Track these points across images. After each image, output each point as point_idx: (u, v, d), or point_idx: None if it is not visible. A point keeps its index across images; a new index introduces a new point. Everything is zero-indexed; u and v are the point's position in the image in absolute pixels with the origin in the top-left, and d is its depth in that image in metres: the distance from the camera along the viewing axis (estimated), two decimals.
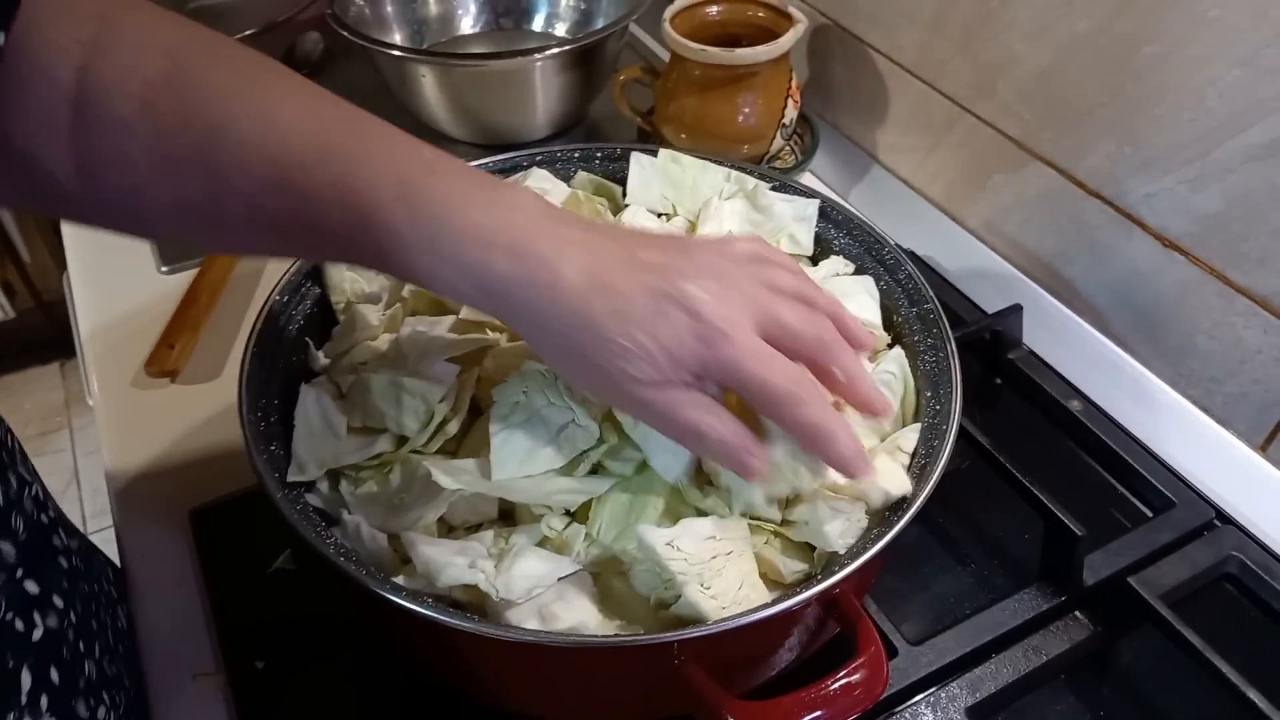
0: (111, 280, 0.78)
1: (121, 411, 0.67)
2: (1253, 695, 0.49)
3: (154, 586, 0.57)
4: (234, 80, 0.38)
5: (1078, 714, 0.53)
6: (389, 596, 0.38)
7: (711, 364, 0.37)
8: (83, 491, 1.76)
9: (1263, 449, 0.63)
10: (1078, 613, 0.55)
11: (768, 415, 0.40)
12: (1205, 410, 0.65)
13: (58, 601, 0.45)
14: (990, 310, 0.72)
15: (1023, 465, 0.58)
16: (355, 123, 0.40)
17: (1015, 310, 0.69)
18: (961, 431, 0.61)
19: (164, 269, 0.78)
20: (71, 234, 0.83)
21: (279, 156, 0.37)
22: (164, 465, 0.63)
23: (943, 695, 0.52)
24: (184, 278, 0.76)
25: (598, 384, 0.39)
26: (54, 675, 0.43)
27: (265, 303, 0.50)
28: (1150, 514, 0.61)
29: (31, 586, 0.43)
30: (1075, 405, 0.66)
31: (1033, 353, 0.70)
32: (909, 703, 0.51)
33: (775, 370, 0.38)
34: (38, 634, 0.43)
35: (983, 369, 0.71)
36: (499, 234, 0.37)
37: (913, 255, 0.58)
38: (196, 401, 0.67)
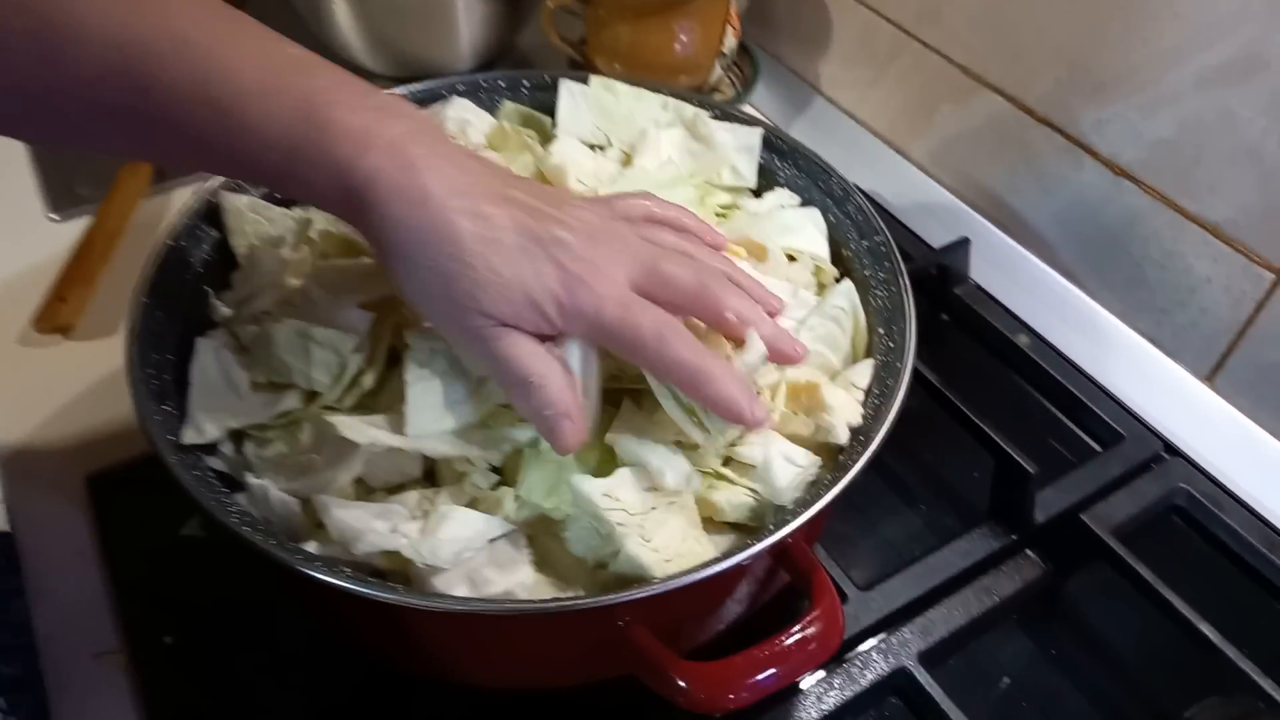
0: None
1: (9, 372, 0.61)
2: (1204, 629, 0.49)
3: (48, 559, 0.52)
4: None
5: (1030, 654, 0.52)
6: (300, 568, 0.34)
7: (571, 311, 0.36)
8: None
9: (1209, 380, 0.62)
10: (1029, 551, 0.54)
11: (637, 362, 0.37)
12: (1154, 342, 0.64)
13: None
14: (936, 245, 0.69)
15: (971, 402, 0.56)
16: (215, 15, 0.36)
17: (962, 244, 0.67)
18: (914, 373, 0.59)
19: (53, 216, 0.72)
20: None
21: (125, 42, 0.34)
22: (57, 429, 0.58)
23: (894, 640, 0.50)
24: (76, 225, 0.70)
25: (442, 311, 0.36)
26: None
27: (155, 247, 0.45)
28: (1099, 448, 0.60)
29: None
30: (1023, 340, 0.65)
31: (979, 287, 0.68)
32: (859, 649, 0.50)
33: (641, 315, 0.36)
34: None
35: (929, 305, 0.69)
36: (374, 138, 0.35)
37: (857, 190, 0.56)
38: (92, 359, 0.61)
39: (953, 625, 0.51)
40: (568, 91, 0.56)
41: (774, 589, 0.45)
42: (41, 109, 0.36)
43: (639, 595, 0.34)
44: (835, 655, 0.49)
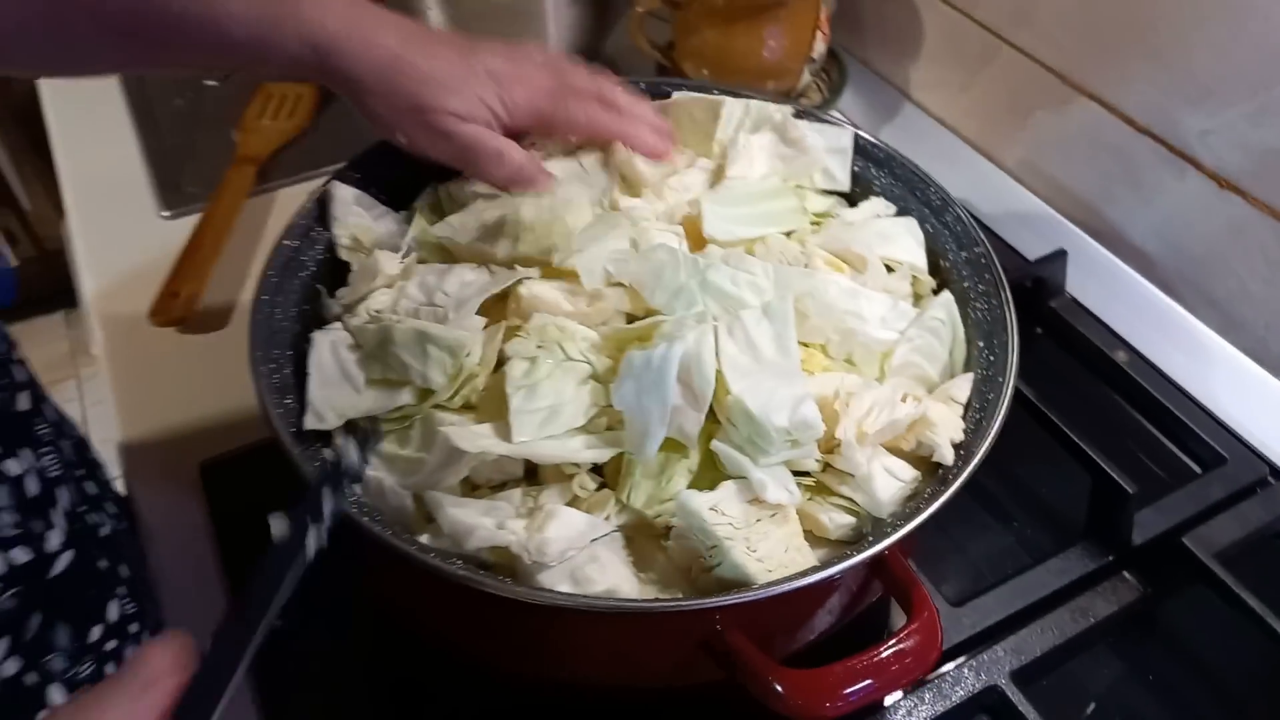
0: (112, 227, 0.75)
1: (128, 362, 0.65)
2: None
3: (165, 540, 0.55)
4: None
5: (1125, 677, 0.51)
6: (418, 557, 0.35)
7: (511, 105, 0.49)
8: (91, 442, 1.74)
9: None
10: (1126, 573, 0.53)
11: (574, 134, 0.52)
12: (1258, 360, 0.63)
13: (109, 507, 0.52)
14: (1029, 256, 0.68)
15: (1068, 419, 0.56)
16: None
17: (1059, 256, 0.66)
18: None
19: (165, 214, 0.75)
20: (69, 179, 0.79)
21: None
22: (173, 418, 0.61)
23: (985, 658, 0.49)
24: (186, 223, 0.73)
25: (415, 122, 0.48)
26: (123, 570, 0.50)
27: (274, 248, 0.47)
28: (1200, 470, 0.59)
29: (90, 488, 0.51)
30: (1121, 356, 0.63)
31: (1075, 300, 0.67)
32: (950, 666, 0.49)
33: (569, 98, 0.51)
34: (104, 531, 0.50)
35: (1023, 318, 0.67)
36: (330, 8, 0.46)
37: (955, 199, 0.55)
38: (205, 351, 0.64)
39: (1046, 645, 0.50)
40: None
41: (866, 602, 0.45)
42: (57, 29, 0.44)
43: (742, 599, 0.35)
44: (928, 674, 0.49)
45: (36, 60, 0.50)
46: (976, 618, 0.50)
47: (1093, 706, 0.50)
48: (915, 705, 0.48)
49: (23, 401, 0.48)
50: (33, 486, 0.45)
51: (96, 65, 0.54)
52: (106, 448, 1.90)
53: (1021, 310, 0.66)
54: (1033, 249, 0.68)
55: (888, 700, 0.48)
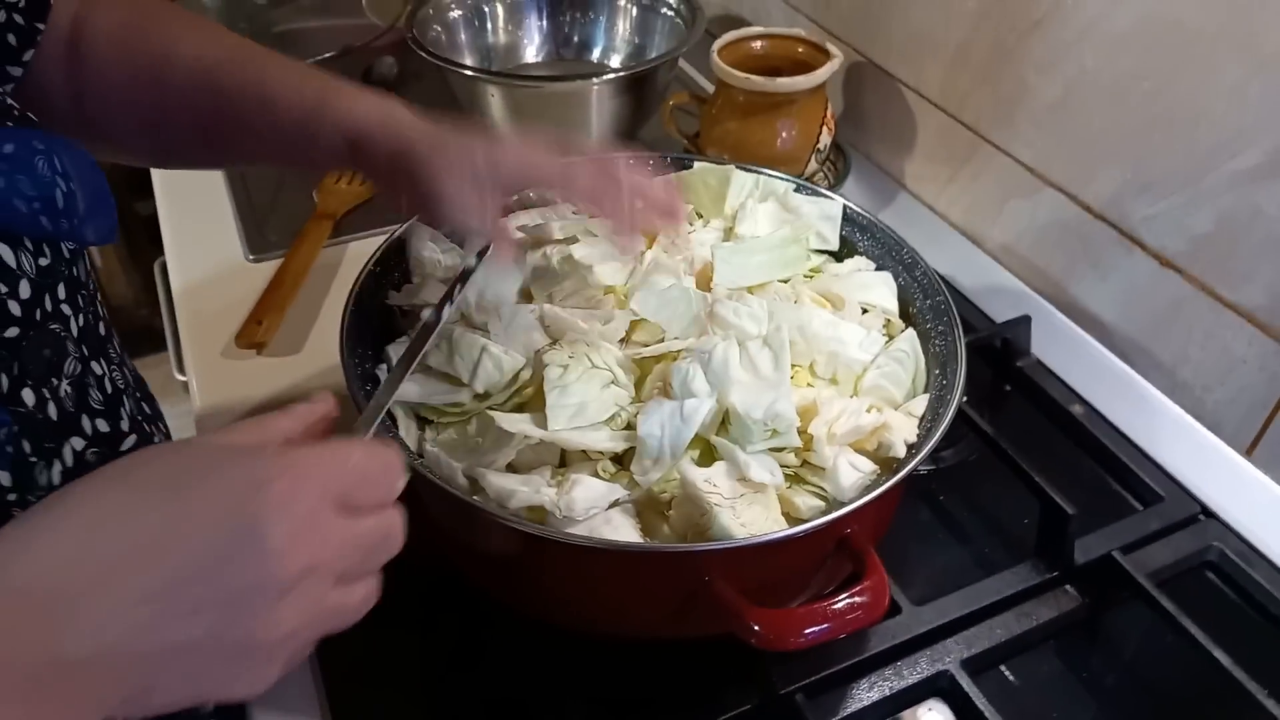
0: (203, 268, 0.86)
1: (214, 378, 0.75)
2: (1229, 665, 0.54)
3: None
4: (177, 23, 0.56)
5: (1064, 674, 0.59)
6: (478, 505, 0.45)
7: (494, 160, 0.53)
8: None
9: (1248, 452, 0.69)
10: (1068, 587, 0.61)
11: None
12: (1196, 416, 0.71)
13: (161, 426, 0.60)
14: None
15: (1024, 456, 0.64)
16: (265, 52, 0.56)
17: (1024, 320, 0.76)
18: (970, 425, 0.68)
19: (251, 258, 0.87)
20: (168, 225, 0.92)
21: (210, 67, 0.54)
22: None
23: (940, 649, 0.57)
24: (269, 266, 0.84)
25: (439, 203, 0.52)
26: None
27: (361, 271, 0.58)
28: (1141, 507, 0.67)
29: (146, 408, 0.57)
30: (1077, 409, 0.72)
31: (1040, 362, 0.76)
32: (910, 656, 0.57)
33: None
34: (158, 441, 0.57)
35: (993, 375, 0.77)
36: (360, 103, 0.54)
37: (923, 259, 0.66)
38: (281, 372, 0.75)
39: (993, 640, 0.58)
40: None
41: (836, 577, 0.53)
42: (152, 119, 0.56)
43: (721, 546, 0.44)
44: (890, 660, 0.57)
45: (153, 157, 0.65)
46: (934, 615, 0.58)
47: (1032, 696, 0.57)
48: (877, 683, 0.55)
49: (101, 329, 0.54)
50: (108, 387, 0.50)
51: (193, 159, 0.68)
52: None
53: (992, 368, 0.77)
54: (1007, 318, 0.78)
55: (861, 680, 0.55)
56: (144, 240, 2.05)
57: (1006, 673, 0.58)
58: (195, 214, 0.93)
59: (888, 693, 0.55)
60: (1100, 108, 0.73)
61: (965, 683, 0.55)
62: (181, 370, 0.78)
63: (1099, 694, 0.57)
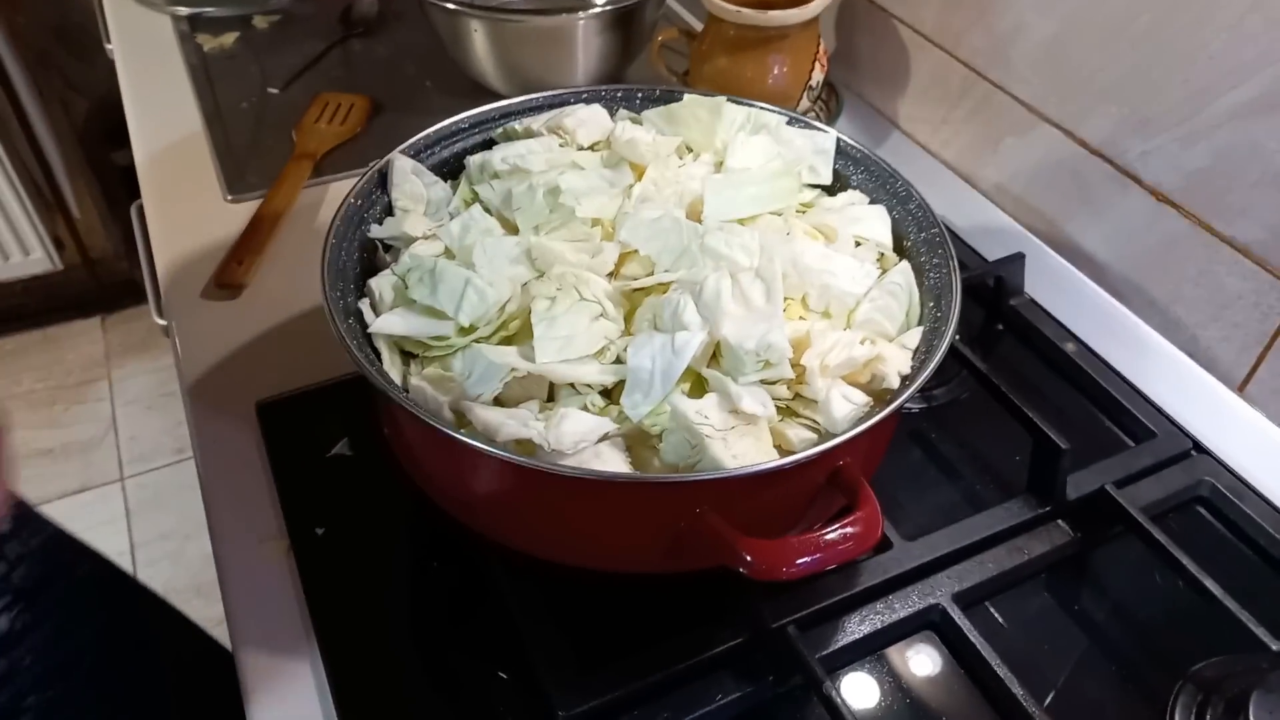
0: (181, 208, 0.84)
1: (194, 319, 0.73)
2: (1219, 593, 0.54)
3: (224, 469, 0.63)
4: None
5: (1055, 609, 0.58)
6: (465, 440, 0.44)
7: None
8: (120, 439, 1.83)
9: (1240, 389, 0.68)
10: (1060, 521, 0.61)
11: None
12: (1189, 353, 0.71)
13: None
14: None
15: (1018, 393, 0.64)
16: None
17: (1017, 258, 0.75)
18: (962, 362, 0.67)
19: (229, 198, 0.85)
20: (144, 165, 0.89)
21: None
22: (233, 366, 0.70)
23: (931, 582, 0.57)
24: (248, 206, 0.83)
25: None
26: None
27: (341, 204, 0.56)
28: (1133, 443, 0.67)
29: None
30: (1070, 347, 0.72)
31: (1034, 301, 0.76)
32: (901, 590, 0.57)
33: None
34: None
35: (986, 314, 0.76)
36: None
37: (917, 191, 0.64)
38: (261, 312, 0.73)
39: (985, 575, 0.58)
40: (648, 121, 0.66)
41: (828, 510, 0.52)
42: None
43: (713, 476, 0.43)
44: (882, 594, 0.57)
45: None
46: (925, 550, 0.58)
47: (1022, 628, 0.57)
48: (868, 616, 0.55)
49: None
50: None
51: None
52: (135, 444, 1.98)
53: (984, 308, 0.76)
54: (999, 256, 0.77)
55: (852, 614, 0.55)
56: (122, 193, 2.02)
57: (998, 607, 0.58)
58: (172, 156, 0.90)
59: (879, 626, 0.55)
60: (1097, 43, 0.71)
61: (957, 616, 0.55)
62: (161, 314, 0.77)
63: (1090, 628, 0.57)
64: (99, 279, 2.04)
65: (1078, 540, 0.60)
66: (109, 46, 1.10)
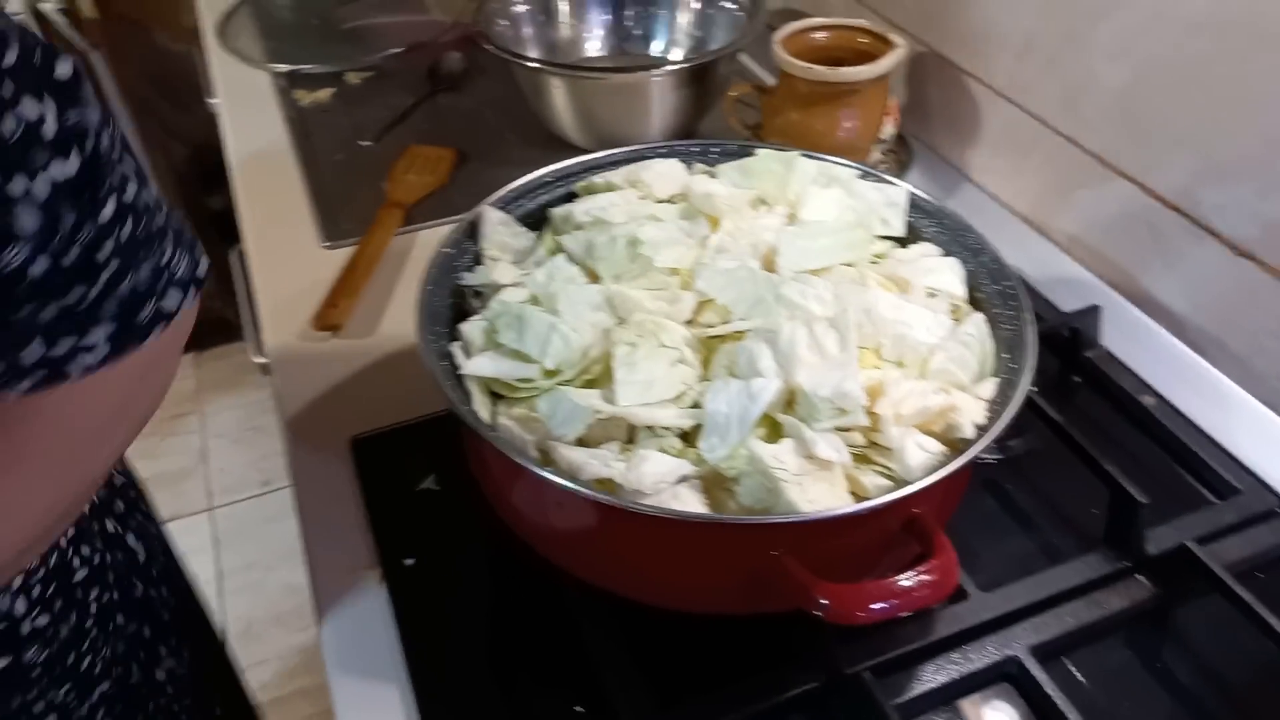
0: (281, 253, 0.89)
1: (291, 359, 0.78)
2: None
3: (319, 500, 0.66)
4: None
5: (1136, 666, 0.58)
6: (550, 477, 0.46)
7: None
8: (210, 470, 1.90)
9: None
10: (1140, 576, 0.60)
11: None
12: (1272, 407, 0.70)
13: None
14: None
15: (1094, 445, 0.63)
16: None
17: (1093, 310, 0.75)
18: (1037, 414, 0.67)
19: (326, 244, 0.89)
20: (247, 215, 0.95)
21: None
22: (329, 403, 0.73)
23: (1008, 634, 0.57)
24: (343, 252, 0.87)
25: None
26: None
27: (435, 253, 0.60)
28: (1216, 499, 0.66)
29: None
30: (1148, 400, 0.71)
31: (1109, 353, 0.75)
32: (977, 640, 0.57)
33: None
34: None
35: (1061, 366, 0.76)
36: None
37: (990, 243, 0.65)
38: (355, 353, 0.77)
39: (1063, 628, 0.57)
40: (724, 175, 0.69)
41: (903, 558, 0.53)
42: None
43: (789, 519, 0.44)
44: (957, 644, 0.57)
45: None
46: (1001, 601, 0.58)
47: (1102, 685, 0.56)
48: (944, 665, 0.55)
49: None
50: None
51: None
52: (223, 476, 2.06)
53: (1060, 359, 0.76)
54: (1074, 307, 0.77)
55: (927, 663, 0.56)
56: (214, 234, 2.12)
57: (1077, 662, 0.58)
58: (272, 204, 0.96)
59: (955, 676, 0.55)
60: (1171, 94, 0.71)
61: (1034, 668, 0.55)
62: (261, 353, 0.81)
63: (1173, 686, 0.56)
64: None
65: (1158, 596, 0.59)
66: (213, 100, 1.18)
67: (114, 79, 1.81)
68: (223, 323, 2.14)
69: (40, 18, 1.65)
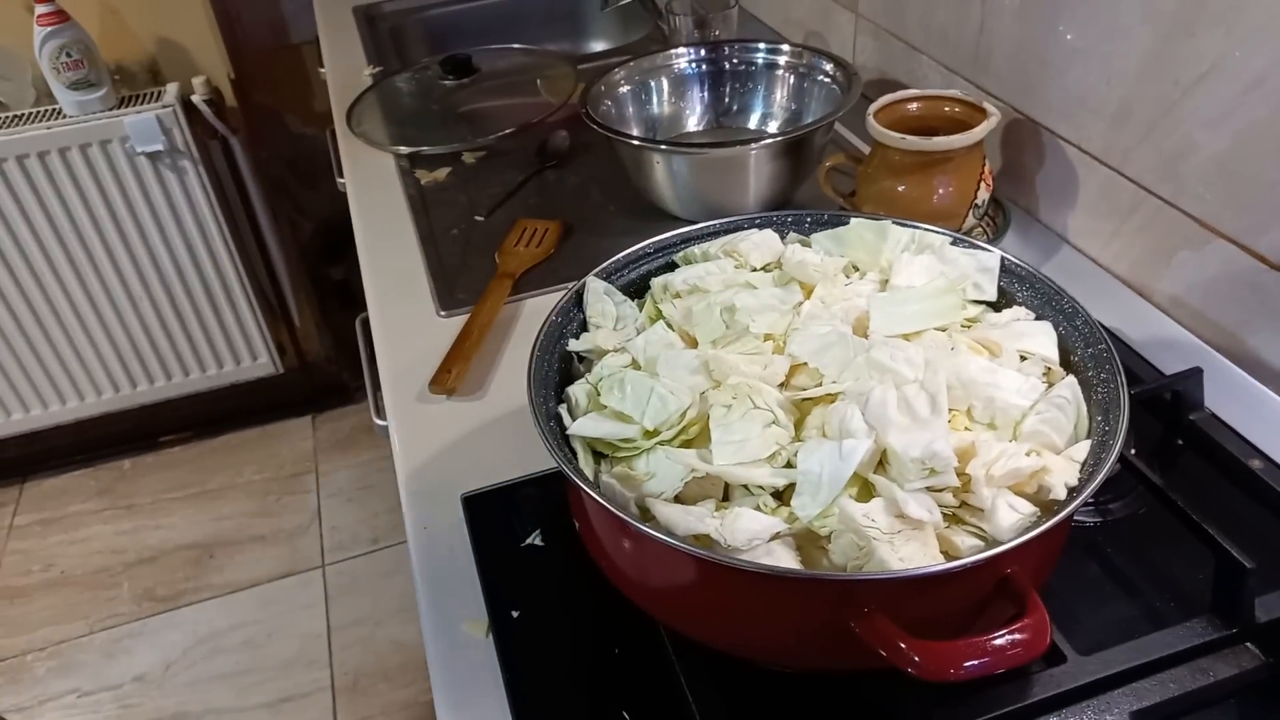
0: (401, 322, 0.96)
1: (409, 420, 0.83)
2: None
3: (433, 554, 0.71)
4: None
5: None
6: (650, 532, 0.49)
7: None
8: (323, 528, 2.00)
9: None
10: (1249, 644, 0.59)
11: None
12: None
13: None
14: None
15: (1198, 509, 0.63)
16: None
17: (1195, 373, 0.74)
18: (1139, 477, 0.67)
19: (441, 313, 0.96)
20: (371, 285, 1.02)
21: None
22: (442, 462, 0.78)
23: (1108, 699, 0.57)
24: (457, 320, 0.93)
25: None
26: None
27: (545, 320, 0.64)
28: None
29: None
30: (1256, 464, 0.70)
31: (1214, 416, 0.74)
32: (1075, 704, 0.57)
33: None
34: None
35: (1164, 429, 0.75)
36: None
37: (1084, 308, 0.66)
38: (467, 414, 0.82)
39: (1166, 695, 0.57)
40: (817, 243, 0.71)
41: (995, 617, 0.54)
42: None
43: (882, 577, 0.46)
44: (1054, 708, 0.57)
45: None
46: (1100, 665, 0.58)
47: None
48: None
49: None
50: None
51: None
52: (336, 534, 2.16)
53: (1162, 423, 0.75)
54: (1177, 370, 0.77)
55: None
56: (334, 303, 2.26)
57: None
58: (393, 276, 1.03)
59: None
60: (1274, 158, 0.71)
61: None
62: (381, 415, 0.87)
63: None
64: (312, 381, 2.26)
65: (1269, 665, 0.58)
66: (340, 180, 1.28)
67: (250, 160, 1.97)
68: (338, 386, 2.27)
69: (188, 106, 1.81)
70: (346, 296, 2.26)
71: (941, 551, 0.51)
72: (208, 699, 1.70)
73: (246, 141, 1.96)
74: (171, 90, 1.80)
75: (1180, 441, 0.75)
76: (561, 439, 0.58)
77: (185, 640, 1.80)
